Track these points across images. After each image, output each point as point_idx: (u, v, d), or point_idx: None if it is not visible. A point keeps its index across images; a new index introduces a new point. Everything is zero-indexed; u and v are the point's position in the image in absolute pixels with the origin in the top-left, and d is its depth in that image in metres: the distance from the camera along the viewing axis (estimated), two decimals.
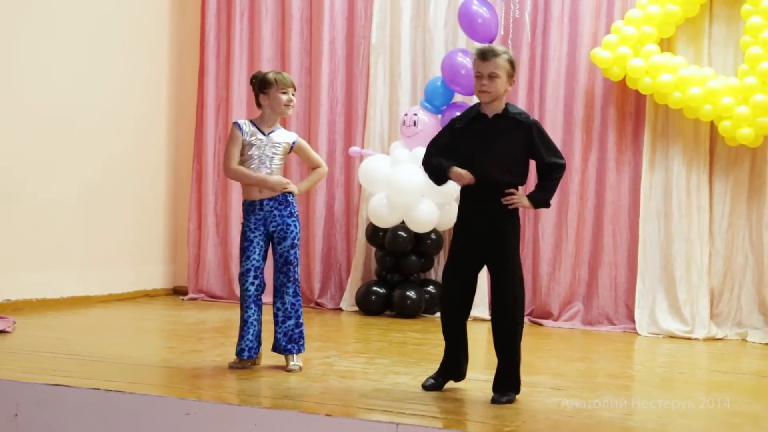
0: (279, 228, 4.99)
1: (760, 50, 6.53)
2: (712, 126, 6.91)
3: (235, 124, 5.08)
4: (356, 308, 7.56)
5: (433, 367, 4.83)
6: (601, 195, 7.23)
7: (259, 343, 5.04)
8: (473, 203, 4.48)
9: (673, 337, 6.82)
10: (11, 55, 6.84)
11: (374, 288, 7.45)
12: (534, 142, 4.43)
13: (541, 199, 4.53)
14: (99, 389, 4.13)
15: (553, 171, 4.47)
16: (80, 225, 7.46)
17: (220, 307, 7.62)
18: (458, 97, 7.33)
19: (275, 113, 5.07)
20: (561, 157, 4.51)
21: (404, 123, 7.35)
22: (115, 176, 7.78)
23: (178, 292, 8.39)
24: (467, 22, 7.03)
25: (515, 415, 4.10)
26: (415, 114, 7.30)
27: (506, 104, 4.49)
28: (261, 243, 5.01)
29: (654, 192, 7.11)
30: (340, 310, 7.68)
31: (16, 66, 6.90)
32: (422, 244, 7.40)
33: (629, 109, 7.17)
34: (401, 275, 7.46)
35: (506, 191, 4.42)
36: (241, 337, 5.01)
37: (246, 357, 4.99)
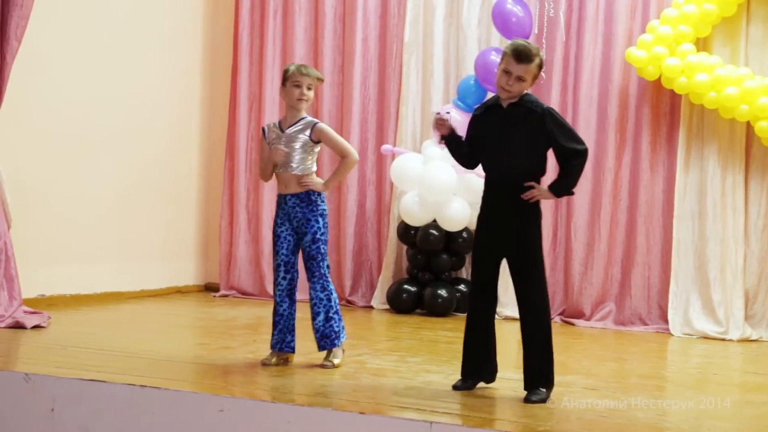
0: (300, 223, 4.97)
1: None
2: (748, 126, 6.84)
3: (262, 128, 5.14)
4: (387, 306, 7.57)
5: None
6: (635, 195, 7.19)
7: (293, 338, 5.04)
8: (494, 198, 4.46)
9: (706, 338, 6.77)
10: (49, 55, 6.89)
11: (405, 286, 7.45)
12: (550, 129, 4.39)
13: (562, 187, 4.49)
14: (134, 385, 4.16)
15: (572, 157, 4.41)
16: (114, 222, 7.51)
17: (251, 304, 7.65)
18: (491, 96, 7.30)
19: (290, 107, 5.01)
20: (580, 142, 4.44)
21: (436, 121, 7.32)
22: (148, 174, 7.83)
23: (209, 288, 8.43)
24: (501, 20, 7.01)
25: (548, 415, 4.09)
26: (448, 112, 7.23)
27: (525, 92, 4.49)
28: (289, 238, 5.01)
29: (688, 192, 7.05)
30: (371, 308, 7.69)
31: (54, 66, 6.96)
32: (453, 243, 7.39)
33: (664, 109, 7.12)
34: (432, 273, 7.46)
35: (526, 185, 4.40)
36: (277, 330, 5.03)
37: (278, 350, 5.00)
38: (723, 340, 6.71)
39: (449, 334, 6.38)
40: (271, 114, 8.09)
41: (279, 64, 8.12)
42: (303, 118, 5.01)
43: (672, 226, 7.05)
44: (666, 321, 6.97)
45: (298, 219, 4.98)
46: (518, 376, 4.57)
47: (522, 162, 4.43)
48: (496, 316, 7.10)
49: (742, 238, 6.90)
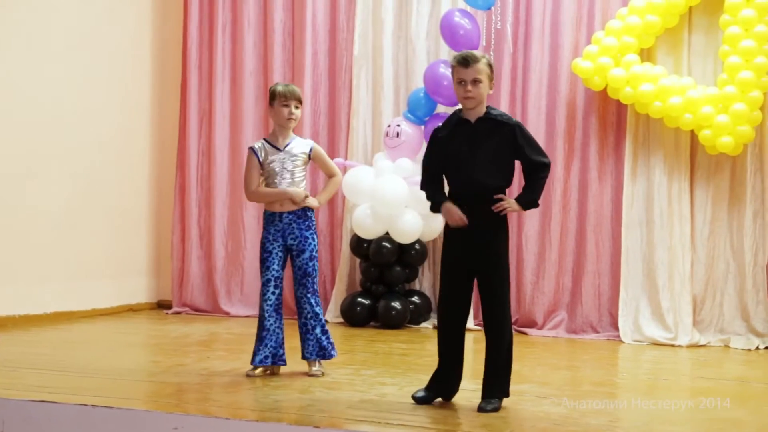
0: (297, 241, 5.14)
1: (738, 59, 6.61)
2: (693, 135, 6.97)
3: (251, 149, 5.22)
4: (341, 319, 7.56)
5: (419, 377, 4.85)
6: (584, 204, 7.28)
7: (284, 350, 5.19)
8: (463, 211, 4.47)
9: (656, 344, 6.86)
10: None
11: (359, 299, 7.46)
12: (520, 143, 4.47)
13: (530, 199, 4.55)
14: (86, 405, 4.12)
15: (539, 170, 4.50)
16: (62, 239, 7.43)
17: (204, 321, 7.61)
18: (441, 108, 7.36)
19: (279, 126, 5.20)
20: (545, 156, 4.54)
21: (387, 134, 7.38)
22: (96, 190, 7.76)
23: (162, 306, 8.37)
24: (449, 33, 7.07)
25: (503, 424, 4.12)
26: (398, 125, 7.33)
27: (487, 107, 4.53)
28: (280, 254, 5.17)
29: (636, 201, 7.16)
30: (326, 321, 7.66)
31: (0, 79, 6.89)
32: (406, 255, 7.42)
33: (611, 118, 7.23)
34: (386, 286, 7.47)
35: (495, 197, 4.44)
36: (264, 345, 5.13)
37: (270, 363, 5.14)
38: (672, 346, 6.80)
39: (403, 347, 6.39)
40: (222, 128, 8.07)
41: (228, 78, 8.11)
42: (294, 137, 5.23)
43: (621, 234, 7.15)
44: (617, 328, 7.06)
45: (295, 236, 5.14)
46: (473, 386, 4.60)
47: (490, 174, 4.47)
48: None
49: (689, 245, 7.02)
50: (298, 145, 5.22)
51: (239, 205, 8.02)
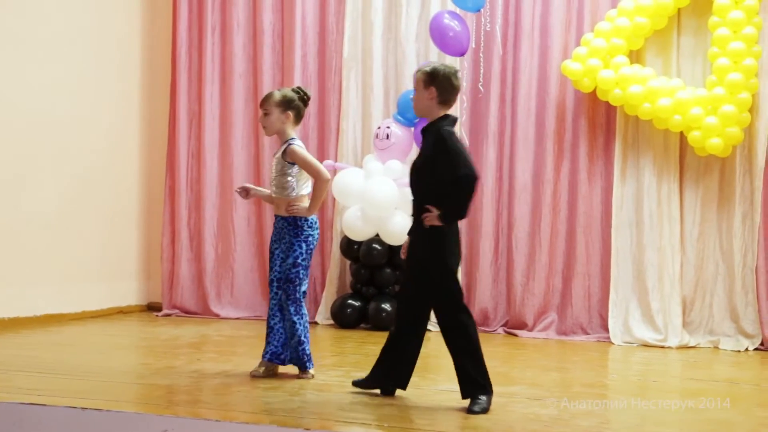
0: (286, 246, 5.16)
1: (727, 61, 6.63)
2: (682, 136, 6.99)
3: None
4: (332, 321, 7.56)
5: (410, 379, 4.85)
6: (574, 206, 7.29)
7: (285, 350, 5.20)
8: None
9: (646, 345, 6.88)
10: None
11: (349, 301, 7.46)
12: (441, 153, 4.46)
13: (449, 213, 4.46)
14: (75, 407, 4.11)
15: (456, 182, 4.40)
16: (52, 242, 7.40)
17: (195, 323, 7.59)
18: None
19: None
20: (466, 166, 4.41)
21: (377, 136, 7.38)
22: (86, 192, 7.74)
23: (152, 308, 8.35)
24: (439, 35, 7.07)
25: (493, 426, 4.12)
26: (388, 127, 7.33)
27: (438, 117, 4.58)
28: (281, 255, 5.18)
29: (625, 202, 7.18)
30: (316, 323, 7.67)
31: None
32: (397, 257, 7.41)
33: (600, 120, 7.24)
34: (376, 288, 7.48)
35: (426, 207, 4.48)
36: (268, 342, 5.19)
37: (275, 362, 5.17)
38: (662, 347, 6.82)
39: None
40: (212, 130, 8.06)
41: (218, 80, 8.10)
42: (286, 141, 5.17)
43: (610, 235, 7.16)
44: (607, 330, 7.07)
45: (285, 242, 5.17)
46: (458, 387, 4.59)
47: (422, 186, 4.55)
48: (430, 329, 7.21)
49: (679, 246, 7.04)
50: (281, 151, 5.18)
51: (229, 207, 8.01)
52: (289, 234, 5.15)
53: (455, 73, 4.61)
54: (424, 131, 4.62)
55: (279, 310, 5.20)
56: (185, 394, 4.70)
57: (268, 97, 5.19)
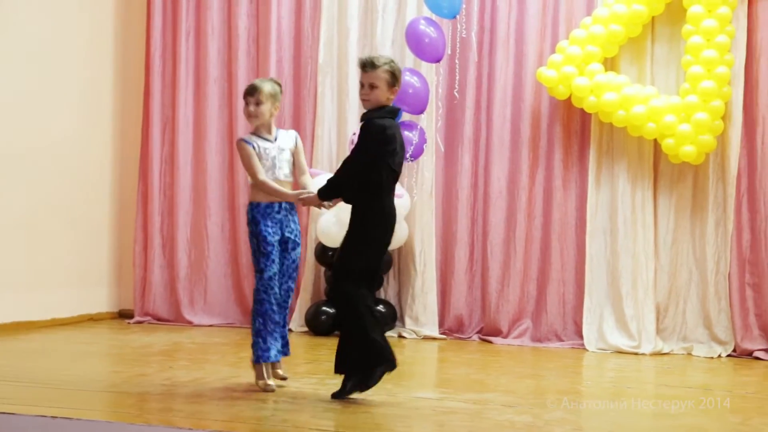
0: (294, 234, 5.12)
1: (700, 69, 6.67)
2: (656, 144, 7.02)
3: (243, 140, 5.09)
4: (306, 329, 7.53)
5: (384, 386, 4.83)
6: (548, 212, 7.30)
7: (287, 341, 5.18)
8: None
9: (620, 352, 6.89)
10: None
11: (324, 308, 7.42)
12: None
13: (321, 190, 4.84)
14: (45, 416, 4.05)
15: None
16: (21, 248, 7.31)
17: (167, 330, 7.53)
18: (406, 116, 7.36)
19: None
20: (359, 151, 4.73)
21: (352, 142, 7.34)
22: (57, 197, 7.65)
23: (123, 315, 8.26)
24: (414, 41, 7.07)
25: None
26: None
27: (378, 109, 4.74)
28: (278, 247, 5.07)
29: (600, 209, 7.20)
30: (290, 330, 7.61)
31: None
32: None
33: (575, 127, 7.26)
34: None
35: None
36: (274, 339, 5.03)
37: (276, 359, 5.07)
38: (636, 354, 6.84)
39: None
40: (185, 136, 8.00)
41: (192, 85, 8.04)
42: (279, 129, 5.19)
43: (585, 242, 7.18)
44: (581, 336, 7.08)
45: (291, 229, 5.11)
46: (437, 395, 4.58)
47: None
48: (414, 335, 7.21)
49: (652, 253, 7.06)
50: (285, 138, 5.15)
51: (202, 214, 7.96)
52: (294, 220, 5.13)
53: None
54: (362, 118, 4.81)
55: (279, 304, 5.06)
56: (157, 402, 4.64)
57: (260, 88, 5.07)
